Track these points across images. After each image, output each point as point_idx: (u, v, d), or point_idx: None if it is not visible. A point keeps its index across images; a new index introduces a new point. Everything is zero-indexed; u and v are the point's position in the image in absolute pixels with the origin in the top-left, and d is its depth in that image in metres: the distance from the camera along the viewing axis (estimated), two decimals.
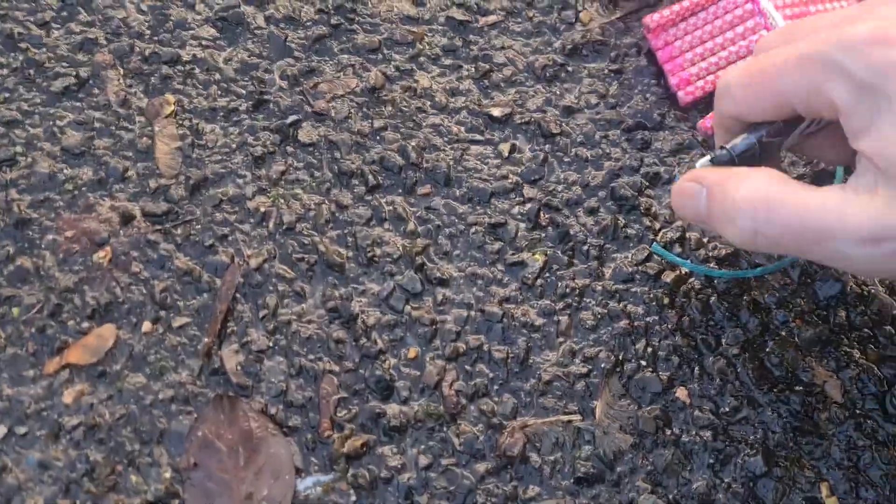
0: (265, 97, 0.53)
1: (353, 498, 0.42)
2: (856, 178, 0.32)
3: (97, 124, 0.52)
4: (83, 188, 0.50)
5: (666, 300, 0.45)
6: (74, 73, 0.53)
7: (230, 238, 0.49)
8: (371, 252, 0.48)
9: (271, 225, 0.49)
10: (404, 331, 0.46)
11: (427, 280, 0.47)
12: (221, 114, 0.53)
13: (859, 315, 0.44)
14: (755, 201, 0.34)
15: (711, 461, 0.42)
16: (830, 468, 0.41)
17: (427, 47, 0.54)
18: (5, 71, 0.53)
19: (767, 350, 0.44)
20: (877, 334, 0.43)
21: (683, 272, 0.46)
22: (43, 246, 0.48)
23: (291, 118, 0.52)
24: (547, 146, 0.50)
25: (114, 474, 0.43)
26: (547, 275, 0.47)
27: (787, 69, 0.34)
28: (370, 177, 0.50)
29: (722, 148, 0.38)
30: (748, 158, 0.38)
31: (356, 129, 0.51)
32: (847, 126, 0.32)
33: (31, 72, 0.53)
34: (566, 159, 0.50)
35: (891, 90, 0.30)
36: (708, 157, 0.38)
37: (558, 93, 0.51)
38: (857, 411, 0.42)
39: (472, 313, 0.46)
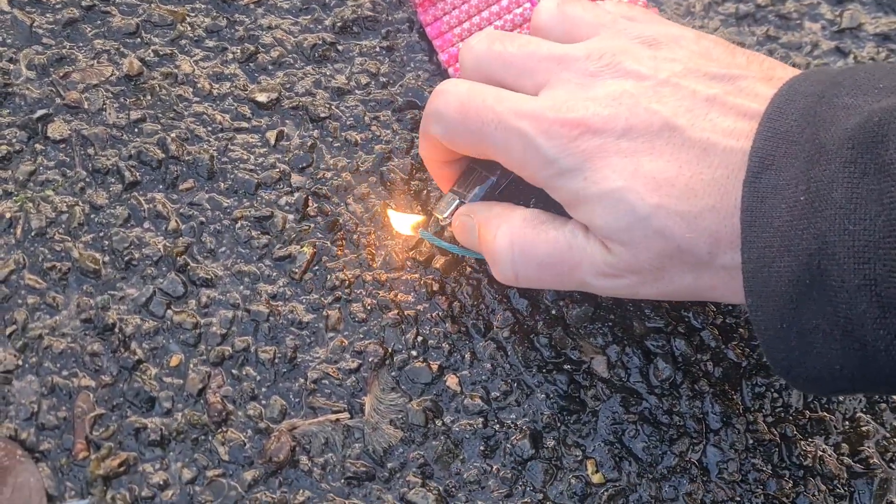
0: (10, 90, 0.48)
1: None
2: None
3: None
4: None
5: (436, 287, 0.44)
6: None
7: None
8: (129, 255, 0.45)
9: (18, 232, 0.45)
10: (166, 337, 0.43)
11: (190, 281, 0.44)
12: None
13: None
14: (512, 245, 0.36)
15: (482, 448, 0.41)
16: (597, 445, 0.41)
17: (189, 29, 0.50)
18: None
19: (537, 331, 0.43)
20: (643, 308, 0.43)
21: (455, 257, 0.44)
22: None
23: (40, 112, 0.48)
24: (316, 131, 0.48)
25: None
26: (316, 268, 0.45)
27: (496, 130, 0.35)
28: (127, 173, 0.46)
29: (457, 194, 0.40)
30: (496, 196, 0.39)
31: (112, 121, 0.48)
32: (554, 196, 0.35)
33: None
34: (336, 144, 0.47)
35: (589, 176, 0.32)
36: (449, 203, 0.40)
37: (328, 74, 0.49)
38: (622, 386, 0.42)
39: (239, 313, 0.44)
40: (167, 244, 0.45)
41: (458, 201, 0.40)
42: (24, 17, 0.50)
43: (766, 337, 0.30)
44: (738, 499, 0.40)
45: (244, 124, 0.48)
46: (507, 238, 0.36)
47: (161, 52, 0.50)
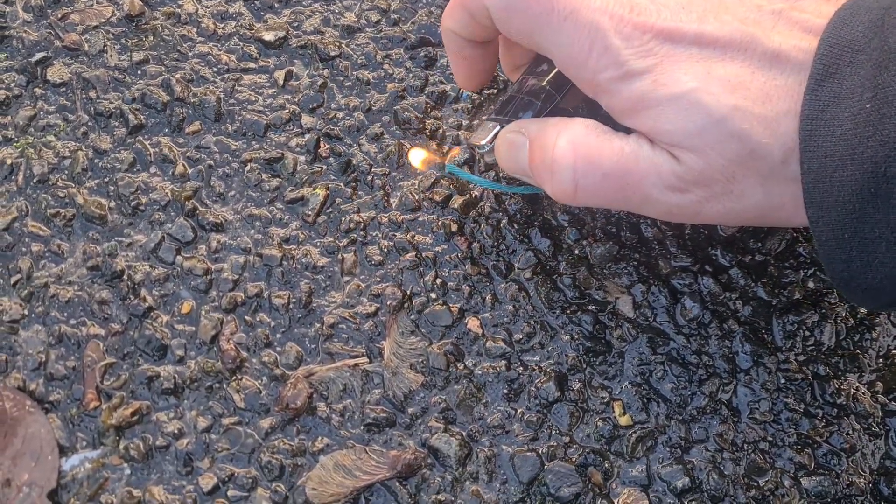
0: (6, 33, 0.46)
1: (128, 471, 0.38)
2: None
3: None
4: None
5: (455, 227, 0.42)
6: None
7: None
8: (136, 200, 0.43)
9: (20, 178, 0.43)
10: (176, 284, 0.42)
11: (199, 226, 0.43)
12: None
13: (649, 227, 0.42)
14: (575, 153, 0.33)
15: (506, 391, 0.40)
16: (624, 387, 0.40)
17: None
18: None
19: (560, 271, 0.41)
20: (667, 245, 0.42)
21: (473, 195, 0.43)
22: None
23: (38, 55, 0.46)
24: (325, 71, 0.46)
25: None
26: (329, 210, 0.43)
27: (565, 21, 0.32)
28: (131, 116, 0.45)
29: (496, 120, 0.37)
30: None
31: (114, 63, 0.46)
32: (611, 102, 0.32)
33: None
34: (347, 84, 0.46)
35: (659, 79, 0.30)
36: (488, 128, 0.38)
37: (337, 11, 0.47)
38: (649, 326, 0.40)
39: (250, 258, 0.42)
40: (175, 189, 0.43)
41: (499, 127, 0.38)
42: None
43: (826, 249, 0.28)
44: (771, 439, 0.39)
45: (251, 64, 0.46)
46: (570, 146, 0.33)
47: None
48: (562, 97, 0.36)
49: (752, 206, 0.31)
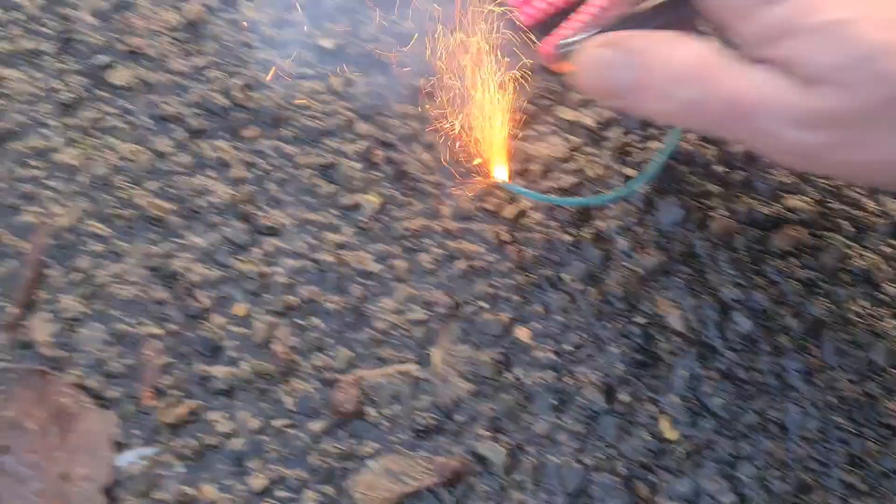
0: (73, 36, 0.48)
1: (181, 469, 0.39)
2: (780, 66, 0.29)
3: None
4: None
5: (506, 237, 0.43)
6: None
7: (37, 196, 0.44)
8: (194, 203, 0.44)
9: (83, 179, 0.45)
10: (232, 286, 0.42)
11: (255, 230, 0.43)
12: (24, 57, 0.47)
13: (700, 240, 0.42)
14: (697, 70, 0.30)
15: (554, 402, 0.40)
16: (672, 401, 0.40)
17: None
18: None
19: (610, 283, 0.41)
20: (718, 259, 0.41)
21: (526, 206, 0.43)
22: None
23: (103, 59, 0.47)
24: (382, 78, 0.46)
25: None
26: (384, 217, 0.43)
27: None
28: (191, 120, 0.46)
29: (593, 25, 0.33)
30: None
31: (175, 68, 0.47)
32: (746, 27, 0.30)
33: None
34: (403, 92, 0.46)
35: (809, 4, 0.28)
36: (584, 29, 0.34)
37: (395, 20, 0.47)
38: (698, 340, 0.41)
39: (305, 263, 0.43)
40: (232, 192, 0.44)
41: (598, 29, 0.33)
42: None
43: None
44: (820, 458, 0.39)
45: (308, 71, 0.47)
46: (692, 60, 0.30)
47: None
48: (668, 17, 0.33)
49: (887, 159, 0.29)
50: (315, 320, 0.42)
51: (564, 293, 0.42)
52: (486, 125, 0.41)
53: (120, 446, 0.40)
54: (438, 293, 0.42)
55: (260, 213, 0.44)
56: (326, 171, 0.45)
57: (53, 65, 0.47)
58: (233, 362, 0.41)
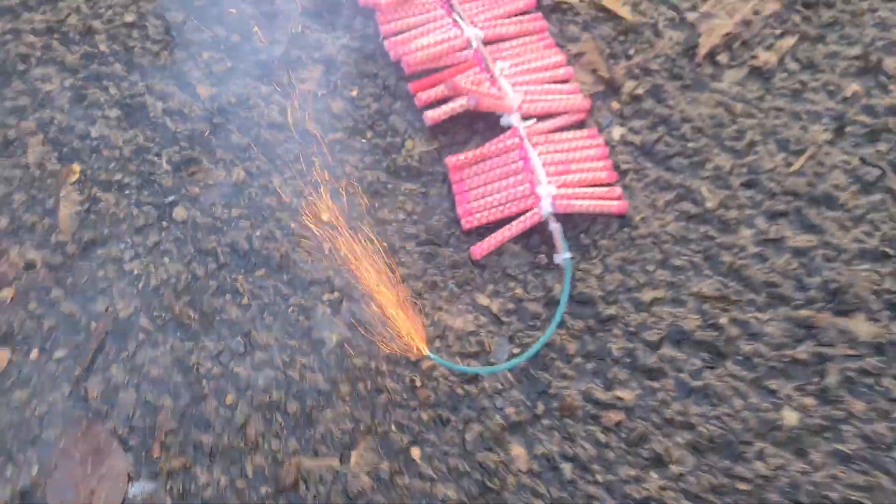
0: (152, 177, 0.69)
1: (169, 501, 0.60)
2: None
3: (16, 182, 0.68)
4: None
5: (419, 383, 0.63)
6: (2, 134, 0.69)
7: (108, 291, 0.66)
8: (212, 317, 0.65)
9: (140, 285, 0.66)
10: (227, 382, 0.63)
11: (250, 344, 0.64)
12: (116, 187, 0.69)
13: (552, 409, 0.62)
14: None
15: None
16: None
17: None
18: None
19: (482, 427, 0.61)
20: (563, 423, 0.61)
21: (436, 364, 0.63)
22: None
23: (170, 198, 0.69)
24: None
25: None
26: (339, 351, 0.64)
27: None
28: (221, 256, 0.67)
29: None
30: None
31: (218, 215, 0.68)
32: None
33: None
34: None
35: None
36: None
37: (377, 206, 0.69)
38: (533, 481, 0.60)
39: (279, 375, 0.63)
40: (239, 313, 0.65)
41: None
42: (171, 123, 0.71)
43: None
44: None
45: (306, 239, 0.68)
46: None
47: (262, 168, 0.70)
48: None
49: None
50: (278, 416, 0.63)
51: (451, 429, 0.62)
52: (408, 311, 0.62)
53: (131, 479, 0.61)
54: (365, 413, 0.62)
55: (255, 332, 0.65)
56: (307, 311, 0.65)
57: (134, 196, 0.69)
58: (218, 436, 0.62)
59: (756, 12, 0.72)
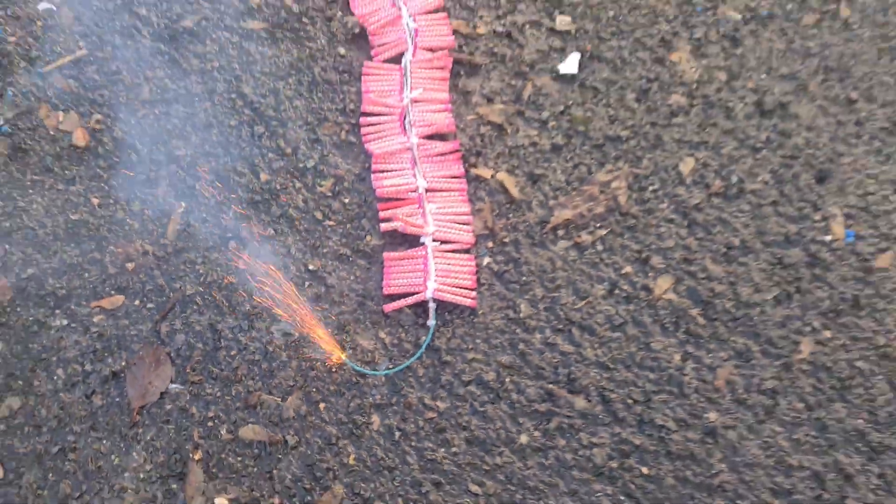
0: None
1: (188, 395, 1.17)
2: None
3: None
4: None
5: (335, 372, 1.19)
6: None
7: (184, 279, 1.23)
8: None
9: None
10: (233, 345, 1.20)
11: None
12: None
13: (400, 402, 1.17)
14: None
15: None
16: None
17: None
18: None
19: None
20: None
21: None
22: None
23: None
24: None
25: None
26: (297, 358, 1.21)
27: None
28: None
29: None
30: None
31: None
32: None
33: None
34: None
35: None
36: None
37: (339, 269, 1.25)
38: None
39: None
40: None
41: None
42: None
43: None
44: None
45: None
46: None
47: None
48: None
49: None
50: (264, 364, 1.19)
51: (345, 399, 1.17)
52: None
53: (172, 381, 1.17)
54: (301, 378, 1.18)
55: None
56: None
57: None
58: (224, 373, 1.19)
59: (588, 210, 1.27)
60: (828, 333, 1.15)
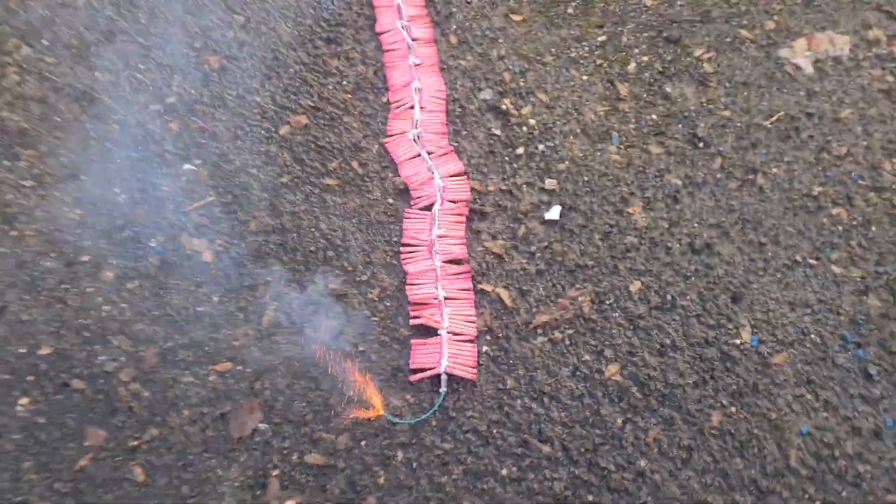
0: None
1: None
2: None
3: None
4: None
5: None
6: None
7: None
8: None
9: None
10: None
11: None
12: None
13: (419, 442, 1.68)
14: None
15: None
16: None
17: None
18: None
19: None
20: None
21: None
22: None
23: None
24: None
25: None
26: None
27: None
28: None
29: None
30: None
31: None
32: None
33: None
34: None
35: None
36: None
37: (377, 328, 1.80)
38: None
39: None
40: None
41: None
42: None
43: None
44: None
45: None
46: None
47: None
48: None
49: None
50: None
51: (385, 437, 1.68)
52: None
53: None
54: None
55: None
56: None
57: None
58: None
59: (561, 316, 1.80)
60: (733, 409, 1.62)
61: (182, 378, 1.62)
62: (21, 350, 1.59)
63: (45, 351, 1.59)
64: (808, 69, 2.09)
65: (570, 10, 2.23)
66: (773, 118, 1.99)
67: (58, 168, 1.84)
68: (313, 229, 1.81)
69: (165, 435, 1.55)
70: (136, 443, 1.53)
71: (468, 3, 2.21)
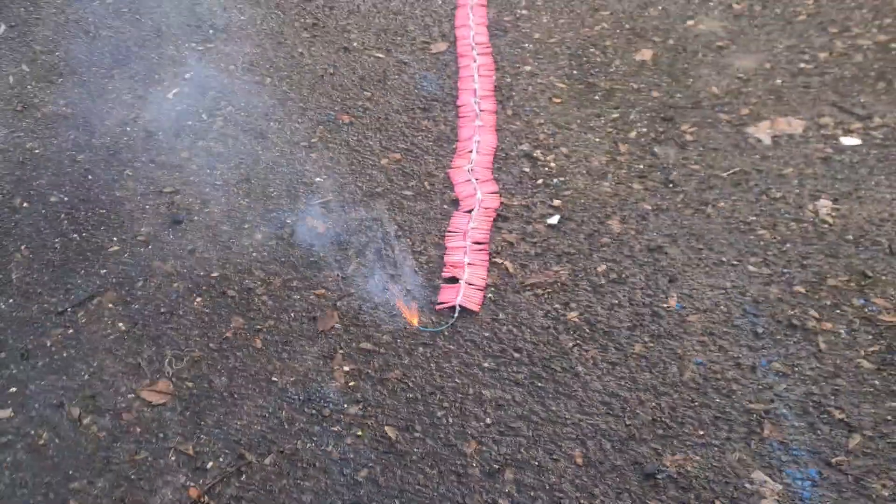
0: None
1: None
2: None
3: None
4: None
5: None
6: None
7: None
8: None
9: None
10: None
11: None
12: None
13: (436, 345, 2.59)
14: None
15: None
16: None
17: None
18: None
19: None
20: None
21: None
22: None
23: None
24: None
25: None
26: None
27: None
28: None
29: None
30: None
31: None
32: None
33: None
34: None
35: None
36: None
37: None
38: None
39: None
40: None
41: None
42: None
43: None
44: None
45: None
46: None
47: None
48: None
49: None
50: None
51: (412, 339, 2.60)
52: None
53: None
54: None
55: None
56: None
57: None
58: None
59: (545, 281, 2.69)
60: (651, 344, 2.40)
61: (293, 296, 2.62)
62: (201, 273, 2.64)
63: (214, 274, 2.65)
64: (767, 141, 2.91)
65: (596, 97, 3.18)
66: (730, 171, 2.82)
67: None
68: (393, 221, 2.81)
69: (279, 325, 2.53)
70: (260, 327, 2.52)
71: (524, 90, 3.22)
